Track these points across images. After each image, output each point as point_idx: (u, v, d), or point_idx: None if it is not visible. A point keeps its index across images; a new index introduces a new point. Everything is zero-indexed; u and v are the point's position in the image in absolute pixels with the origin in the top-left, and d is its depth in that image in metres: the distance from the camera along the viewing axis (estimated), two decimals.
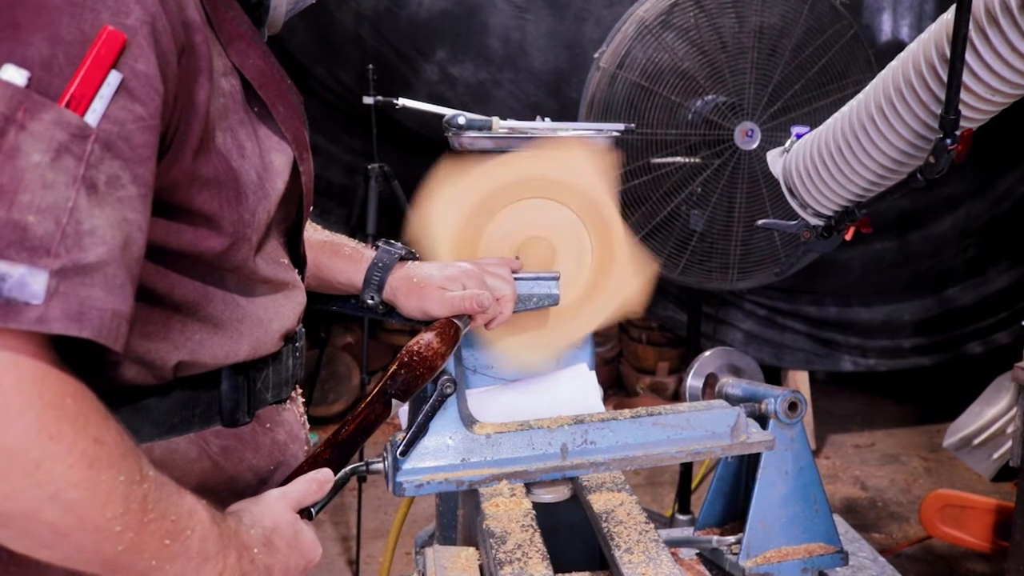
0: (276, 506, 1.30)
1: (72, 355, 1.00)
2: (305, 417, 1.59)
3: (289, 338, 1.47)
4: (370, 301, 1.76)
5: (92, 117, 1.00)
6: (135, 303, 1.07)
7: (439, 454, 1.62)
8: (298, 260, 1.51)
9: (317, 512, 1.40)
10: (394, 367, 1.52)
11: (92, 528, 0.99)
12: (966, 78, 1.70)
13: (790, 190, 2.23)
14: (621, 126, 2.19)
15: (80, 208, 0.98)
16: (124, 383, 1.22)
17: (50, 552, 1.01)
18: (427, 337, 1.57)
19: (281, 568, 1.26)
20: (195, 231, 1.21)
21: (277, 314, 1.40)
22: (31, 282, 0.94)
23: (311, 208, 1.50)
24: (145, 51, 1.05)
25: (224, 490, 1.29)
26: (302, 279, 1.51)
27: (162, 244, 1.18)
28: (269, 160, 1.32)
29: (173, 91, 1.10)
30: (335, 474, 1.40)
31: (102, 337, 0.98)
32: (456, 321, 1.67)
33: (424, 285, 1.73)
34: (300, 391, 1.59)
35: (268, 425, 1.44)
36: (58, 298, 0.95)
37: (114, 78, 1.02)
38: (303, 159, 1.39)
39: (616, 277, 2.01)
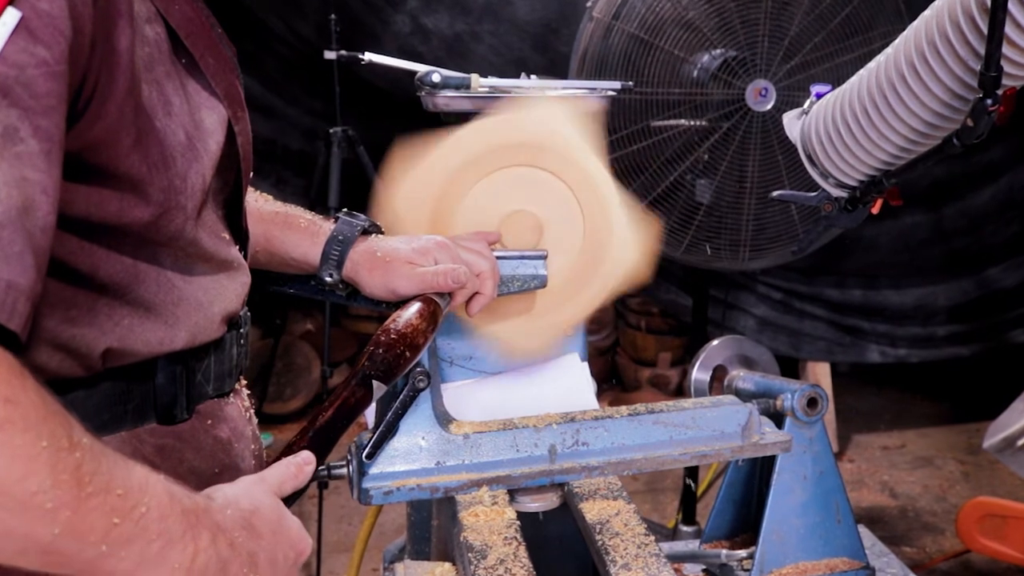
0: (254, 489, 1.26)
1: None
2: (251, 412, 1.59)
3: (232, 323, 1.47)
4: (328, 279, 1.76)
5: None
6: (58, 283, 1.06)
7: (410, 457, 1.62)
8: (240, 235, 1.51)
9: None
10: (372, 348, 1.51)
11: (16, 506, 0.94)
12: (1009, 30, 1.70)
13: (809, 157, 2.23)
14: (617, 84, 2.20)
15: None
16: (47, 373, 1.21)
17: None
18: (404, 315, 1.57)
19: (268, 557, 1.21)
20: (121, 199, 1.19)
21: (219, 296, 1.40)
22: None
23: (251, 175, 1.50)
24: None
25: None
26: (245, 256, 1.51)
27: (84, 216, 1.17)
28: (199, 118, 1.31)
29: (89, 35, 1.08)
30: (317, 463, 1.38)
31: None
32: (435, 298, 1.66)
33: (390, 259, 1.73)
34: (245, 383, 1.59)
35: (209, 422, 1.44)
36: None
37: (11, 16, 0.99)
38: (238, 118, 1.38)
39: (612, 256, 2.01)
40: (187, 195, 1.27)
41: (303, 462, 1.35)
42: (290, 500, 1.34)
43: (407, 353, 1.53)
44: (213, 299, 1.39)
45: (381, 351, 1.50)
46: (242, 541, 1.17)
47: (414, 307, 1.60)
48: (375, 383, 1.48)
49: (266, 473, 1.31)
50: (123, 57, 1.15)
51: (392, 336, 1.52)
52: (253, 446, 1.54)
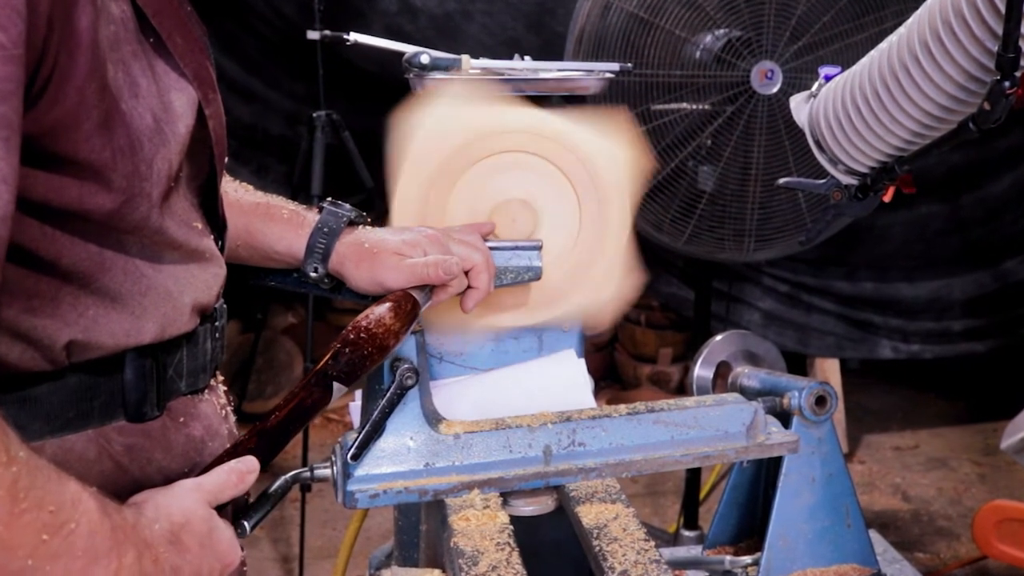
0: (188, 498, 1.28)
1: None
2: (229, 410, 1.59)
3: (206, 316, 1.47)
4: (313, 273, 1.75)
5: None
6: (19, 270, 1.05)
7: (398, 458, 1.62)
8: (216, 224, 1.50)
9: (253, 527, 1.40)
10: (337, 345, 1.50)
11: None
12: None
13: (817, 142, 2.23)
14: (616, 66, 2.19)
15: None
16: (7, 366, 1.21)
17: None
18: (378, 311, 1.56)
19: (192, 571, 1.24)
20: (81, 186, 1.19)
21: (189, 286, 1.40)
22: None
23: (225, 160, 1.49)
24: None
25: (127, 496, 1.28)
26: (221, 247, 1.50)
27: (43, 201, 1.16)
28: (168, 100, 1.30)
29: (46, 14, 1.07)
30: (262, 467, 1.39)
31: None
32: (414, 294, 1.66)
33: (377, 251, 1.72)
34: (222, 379, 1.59)
35: (181, 419, 1.43)
36: None
37: None
38: (209, 100, 1.38)
39: (611, 249, 2.01)
40: (152, 182, 1.26)
41: (246, 470, 1.36)
42: (244, 525, 1.39)
43: (375, 355, 1.52)
44: (183, 289, 1.38)
45: (348, 350, 1.50)
46: (167, 557, 1.21)
47: (388, 303, 1.59)
48: (336, 385, 1.48)
49: (205, 480, 1.33)
50: (84, 37, 1.14)
51: (361, 336, 1.51)
52: (228, 445, 1.53)
